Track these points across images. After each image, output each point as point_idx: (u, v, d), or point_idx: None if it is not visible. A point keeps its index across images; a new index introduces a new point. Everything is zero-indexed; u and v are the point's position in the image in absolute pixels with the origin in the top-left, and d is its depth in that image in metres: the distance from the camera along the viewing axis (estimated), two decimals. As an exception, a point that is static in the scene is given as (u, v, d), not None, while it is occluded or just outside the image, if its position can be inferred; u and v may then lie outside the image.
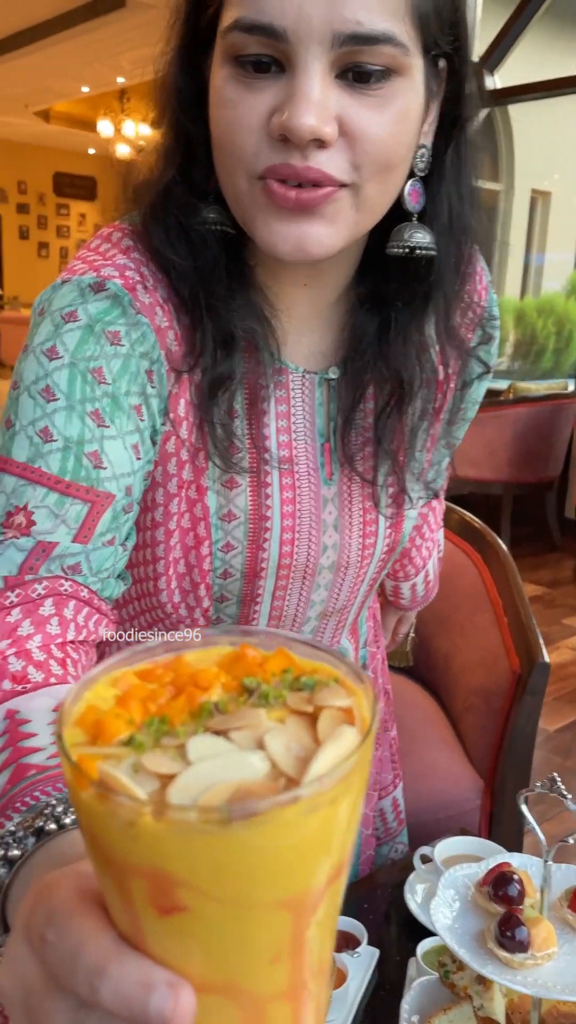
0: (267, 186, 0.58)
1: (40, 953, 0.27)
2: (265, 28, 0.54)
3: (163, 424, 0.67)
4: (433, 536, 1.06)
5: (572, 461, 4.66)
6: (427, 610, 1.23)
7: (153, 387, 0.66)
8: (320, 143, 0.56)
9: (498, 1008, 0.68)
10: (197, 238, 0.64)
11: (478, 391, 0.83)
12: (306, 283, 0.69)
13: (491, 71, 5.32)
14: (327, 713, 0.25)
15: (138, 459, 0.64)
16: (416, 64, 0.58)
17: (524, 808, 0.64)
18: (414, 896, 1.02)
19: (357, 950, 0.92)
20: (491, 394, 5.12)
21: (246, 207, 0.60)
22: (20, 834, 0.38)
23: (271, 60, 0.56)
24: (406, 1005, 0.71)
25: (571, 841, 0.61)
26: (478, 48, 5.43)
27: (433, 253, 0.65)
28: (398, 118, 0.58)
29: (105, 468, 0.62)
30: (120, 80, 10.40)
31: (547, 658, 1.32)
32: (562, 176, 8.62)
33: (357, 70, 0.55)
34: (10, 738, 0.46)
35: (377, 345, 0.70)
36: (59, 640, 0.58)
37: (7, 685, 0.51)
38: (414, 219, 0.64)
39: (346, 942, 0.95)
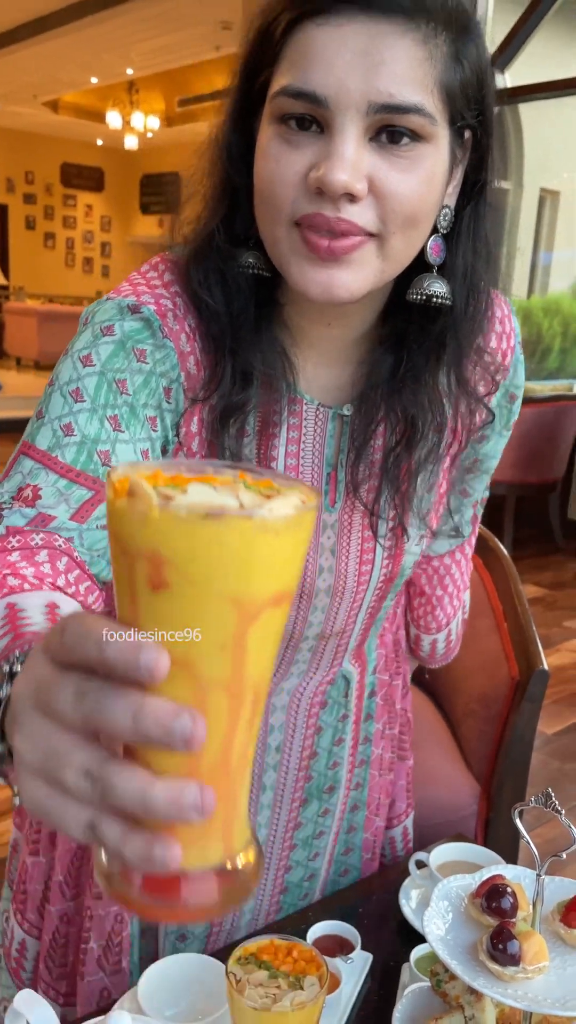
0: (303, 233, 0.64)
1: (54, 649, 0.35)
2: (309, 95, 0.61)
3: (175, 436, 0.74)
4: (460, 594, 1.06)
5: (576, 462, 4.67)
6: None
7: (169, 404, 0.73)
8: (351, 197, 0.62)
9: (489, 1019, 0.68)
10: (233, 282, 0.72)
11: (496, 445, 0.88)
12: (331, 323, 0.75)
13: (501, 70, 5.31)
14: (283, 493, 0.36)
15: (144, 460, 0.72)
16: (442, 133, 0.65)
17: (518, 822, 0.64)
18: (409, 901, 1.02)
19: (351, 956, 0.93)
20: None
21: (282, 252, 0.67)
22: (19, 656, 0.43)
23: (312, 120, 0.63)
24: (398, 1013, 0.71)
25: (564, 856, 0.62)
26: (488, 46, 5.41)
27: (448, 302, 0.71)
28: (424, 180, 0.64)
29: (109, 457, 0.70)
30: (129, 71, 10.38)
31: (546, 666, 1.33)
32: (571, 175, 8.60)
33: (388, 133, 0.62)
34: (8, 622, 0.50)
35: (390, 383, 0.75)
36: (50, 580, 0.62)
37: (4, 591, 0.56)
38: (434, 271, 0.71)
39: (340, 947, 0.95)
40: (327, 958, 0.89)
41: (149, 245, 15.20)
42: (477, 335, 0.76)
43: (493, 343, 0.80)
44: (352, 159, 0.61)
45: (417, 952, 0.92)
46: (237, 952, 0.74)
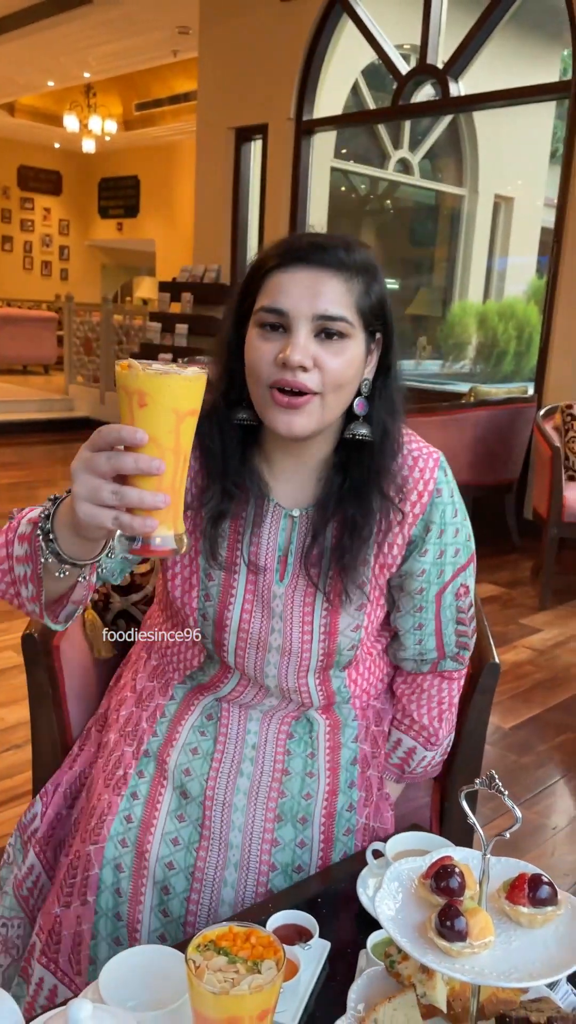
0: (273, 394, 1.01)
1: (93, 441, 0.76)
2: (278, 311, 1.00)
3: None
4: (439, 716, 1.26)
5: (531, 464, 4.75)
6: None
7: None
8: (303, 369, 0.99)
9: (440, 996, 0.71)
10: (228, 431, 1.09)
11: (414, 565, 1.14)
12: (295, 452, 1.10)
13: (455, 78, 5.39)
14: (193, 368, 0.73)
15: None
16: (359, 334, 1.03)
17: (464, 804, 0.67)
18: (366, 890, 1.05)
19: (309, 943, 0.95)
20: (452, 397, 5.19)
21: (262, 405, 1.03)
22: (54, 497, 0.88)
23: (279, 325, 1.01)
24: (352, 994, 0.74)
25: (507, 836, 0.65)
26: (442, 55, 5.49)
27: (369, 439, 1.07)
28: (347, 361, 1.02)
29: None
30: (87, 75, 10.33)
31: (497, 659, 1.36)
32: (525, 182, 8.74)
33: (325, 332, 1.00)
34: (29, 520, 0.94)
35: (339, 494, 1.09)
36: None
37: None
38: (360, 419, 1.07)
39: (299, 935, 0.98)
40: (285, 946, 0.91)
41: (108, 249, 15.15)
42: (391, 461, 1.09)
43: (408, 476, 1.11)
44: (303, 346, 0.99)
45: (374, 938, 0.95)
46: (196, 940, 0.76)
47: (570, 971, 0.62)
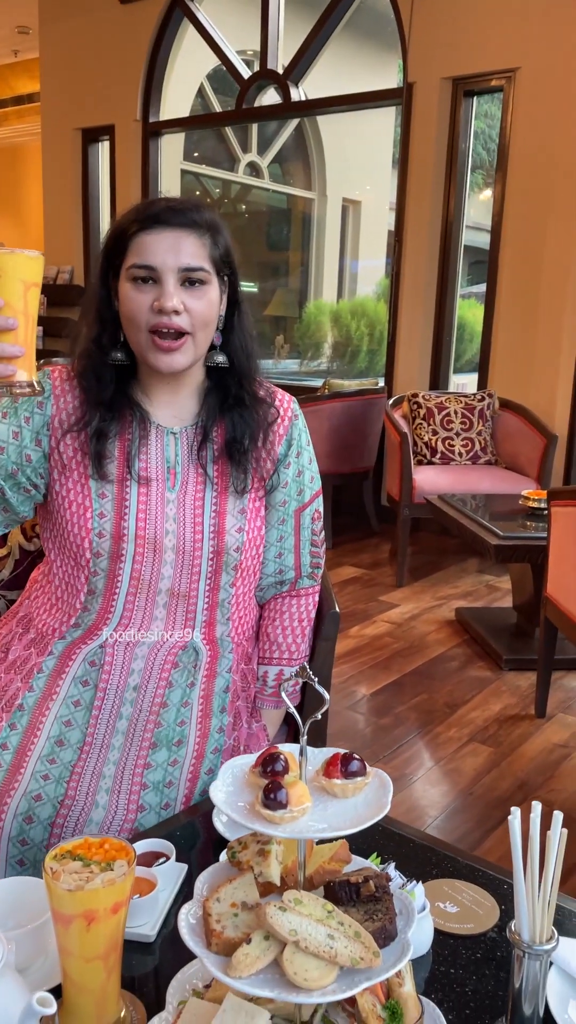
0: (154, 340, 1.21)
1: None
2: (148, 266, 1.20)
3: (48, 433, 1.30)
4: (299, 642, 1.45)
5: (385, 452, 4.98)
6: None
7: (40, 411, 1.31)
8: (176, 312, 1.20)
9: (274, 872, 0.80)
10: (102, 370, 1.27)
11: (280, 476, 1.37)
12: (171, 382, 1.31)
13: (296, 83, 5.58)
14: (27, 251, 0.99)
15: (14, 439, 1.28)
16: (214, 279, 1.24)
17: (284, 696, 0.77)
18: (220, 817, 1.14)
19: (162, 861, 1.03)
20: (309, 392, 5.37)
21: (144, 349, 1.24)
22: None
23: (150, 278, 1.20)
24: (199, 883, 0.82)
25: (319, 716, 0.75)
26: (282, 60, 5.67)
27: (225, 365, 1.31)
28: (209, 303, 1.23)
29: None
30: None
31: (337, 608, 1.49)
32: (372, 187, 9.07)
33: (189, 281, 1.21)
34: None
35: (219, 409, 1.32)
36: None
37: None
38: (217, 349, 1.30)
39: (156, 859, 1.05)
40: (142, 867, 0.98)
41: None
42: (252, 377, 1.33)
43: (258, 386, 1.35)
44: (173, 293, 1.20)
45: (224, 855, 1.04)
46: (53, 851, 0.82)
47: (374, 821, 0.73)
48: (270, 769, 0.77)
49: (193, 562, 1.28)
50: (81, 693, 1.24)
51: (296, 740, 1.53)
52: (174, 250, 1.20)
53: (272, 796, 0.73)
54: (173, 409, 1.33)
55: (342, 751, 0.79)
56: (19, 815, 1.16)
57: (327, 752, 0.81)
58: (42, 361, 1.28)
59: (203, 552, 1.28)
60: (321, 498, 1.43)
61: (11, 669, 1.28)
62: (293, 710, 0.78)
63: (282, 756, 0.78)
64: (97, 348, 1.27)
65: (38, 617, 1.32)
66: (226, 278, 1.28)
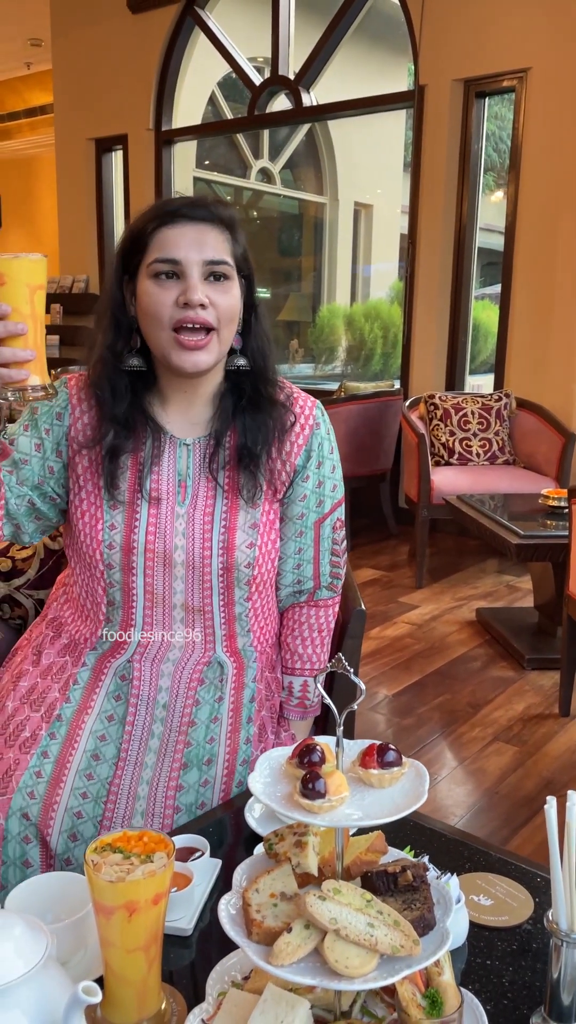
0: (178, 338, 1.17)
1: None
2: (172, 260, 1.17)
3: (67, 444, 1.27)
4: (320, 652, 1.42)
5: (402, 454, 4.98)
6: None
7: (59, 423, 1.28)
8: (203, 306, 1.16)
9: (312, 863, 0.81)
10: (116, 378, 1.23)
11: (298, 489, 1.31)
12: (189, 388, 1.26)
13: (307, 88, 5.61)
14: (31, 256, 0.99)
15: (36, 451, 1.26)
16: (235, 277, 1.21)
17: (319, 686, 0.78)
18: (252, 814, 1.14)
19: (197, 855, 1.04)
20: (323, 394, 5.38)
21: (166, 349, 1.19)
22: None
23: (173, 273, 1.17)
24: (237, 875, 0.83)
25: (355, 707, 0.75)
26: (293, 65, 5.70)
27: (247, 368, 1.27)
28: (233, 298, 1.20)
29: (14, 443, 1.25)
30: None
31: (363, 607, 1.49)
32: (383, 190, 9.08)
33: (213, 276, 1.18)
34: None
35: (234, 416, 1.27)
36: None
37: None
38: (237, 352, 1.26)
39: (190, 855, 1.06)
40: (178, 862, 0.99)
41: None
42: (270, 382, 1.28)
43: (278, 390, 1.29)
44: (198, 287, 1.16)
45: (259, 848, 1.05)
46: (93, 844, 0.83)
47: (412, 810, 0.73)
48: (307, 760, 0.78)
49: (204, 577, 1.25)
50: (115, 708, 1.24)
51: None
52: (198, 243, 1.16)
53: (311, 786, 0.74)
54: (189, 417, 1.28)
55: (377, 742, 0.80)
56: (64, 832, 1.17)
57: (363, 743, 0.82)
58: (59, 370, 1.29)
59: (212, 568, 1.25)
60: (343, 507, 1.36)
61: (47, 675, 1.28)
62: (329, 700, 0.79)
63: (319, 747, 0.79)
64: (112, 355, 1.22)
65: (70, 623, 1.32)
66: (244, 278, 1.25)
